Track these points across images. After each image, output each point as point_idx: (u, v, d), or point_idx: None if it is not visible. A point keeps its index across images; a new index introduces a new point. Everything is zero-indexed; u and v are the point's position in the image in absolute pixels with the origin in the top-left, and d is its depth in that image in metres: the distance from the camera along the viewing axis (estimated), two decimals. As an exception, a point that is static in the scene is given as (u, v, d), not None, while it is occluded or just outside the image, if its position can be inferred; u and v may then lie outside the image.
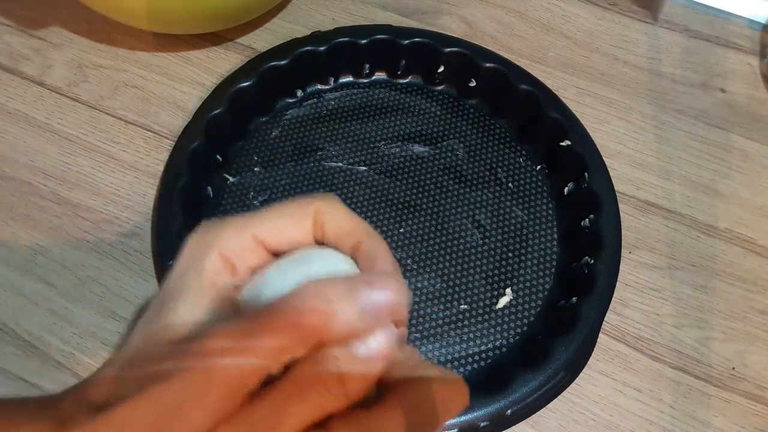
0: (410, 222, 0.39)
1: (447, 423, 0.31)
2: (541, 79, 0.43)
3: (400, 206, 0.40)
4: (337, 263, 0.20)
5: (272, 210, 0.21)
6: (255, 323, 0.17)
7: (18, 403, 0.18)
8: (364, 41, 0.43)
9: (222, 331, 0.17)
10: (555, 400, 0.33)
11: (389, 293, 0.18)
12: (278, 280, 0.19)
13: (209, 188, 0.40)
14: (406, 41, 0.43)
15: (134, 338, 0.19)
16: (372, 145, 0.42)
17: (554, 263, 0.38)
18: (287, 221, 0.20)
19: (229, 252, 0.20)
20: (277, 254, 0.21)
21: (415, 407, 0.18)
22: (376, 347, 0.18)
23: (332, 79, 0.45)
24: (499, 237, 0.39)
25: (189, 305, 0.19)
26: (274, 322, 0.17)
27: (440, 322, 0.36)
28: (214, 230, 0.20)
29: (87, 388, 0.18)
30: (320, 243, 0.21)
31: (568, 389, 0.33)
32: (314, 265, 0.20)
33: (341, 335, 0.18)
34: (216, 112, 0.40)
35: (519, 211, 0.40)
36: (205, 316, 0.19)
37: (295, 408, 0.17)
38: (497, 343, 0.35)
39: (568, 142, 0.40)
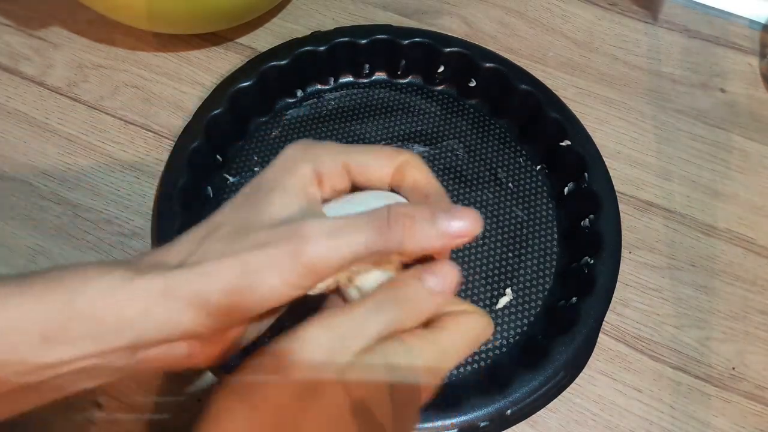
0: (410, 222, 0.39)
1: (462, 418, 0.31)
2: (541, 79, 0.43)
3: (400, 206, 0.40)
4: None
5: (366, 147, 0.23)
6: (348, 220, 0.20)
7: (90, 264, 0.20)
8: (364, 41, 0.43)
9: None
10: (555, 400, 0.33)
11: (464, 223, 0.21)
12: (363, 203, 0.22)
13: (209, 188, 0.40)
14: (406, 41, 0.43)
15: (217, 220, 0.21)
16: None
17: (554, 263, 0.38)
18: (376, 159, 0.23)
19: (322, 169, 0.22)
20: (356, 188, 0.23)
21: (465, 330, 0.21)
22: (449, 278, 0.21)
23: (332, 79, 0.45)
24: (499, 237, 0.39)
25: (282, 199, 0.21)
26: (366, 221, 0.20)
27: (440, 322, 0.36)
28: (312, 147, 0.22)
29: (161, 254, 0.21)
30: (394, 190, 0.23)
31: (568, 389, 0.33)
32: (395, 199, 0.23)
33: (418, 251, 0.20)
34: (216, 112, 0.40)
35: (519, 211, 0.40)
36: (295, 212, 0.21)
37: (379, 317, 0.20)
38: (497, 343, 0.35)
39: (568, 142, 0.40)
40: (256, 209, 0.21)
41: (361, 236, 0.20)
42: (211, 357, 0.21)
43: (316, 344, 0.19)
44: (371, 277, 0.22)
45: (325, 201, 0.23)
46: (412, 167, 0.23)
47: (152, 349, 0.20)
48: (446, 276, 0.21)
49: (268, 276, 0.19)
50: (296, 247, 0.19)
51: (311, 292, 0.21)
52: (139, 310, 0.19)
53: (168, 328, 0.19)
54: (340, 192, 0.23)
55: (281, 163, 0.22)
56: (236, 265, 0.19)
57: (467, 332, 0.21)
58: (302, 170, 0.22)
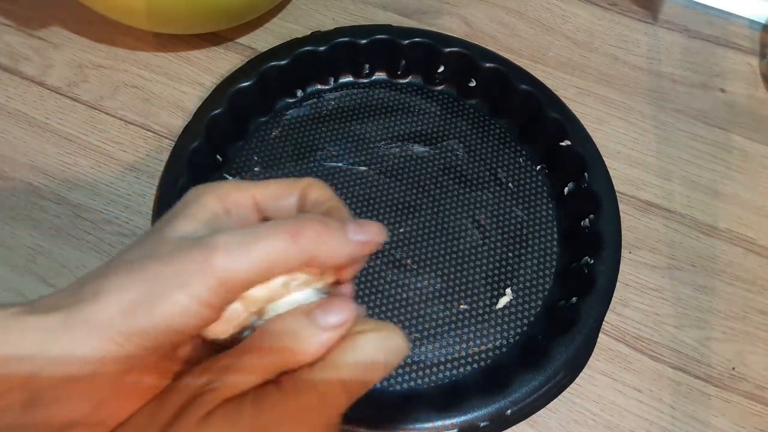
0: (410, 222, 0.39)
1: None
2: (541, 79, 0.43)
3: (400, 206, 0.40)
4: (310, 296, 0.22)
5: (269, 180, 0.23)
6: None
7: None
8: (364, 41, 0.43)
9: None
10: (555, 400, 0.33)
11: (370, 230, 0.21)
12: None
13: (209, 188, 0.40)
14: (406, 41, 0.43)
15: (117, 257, 0.20)
16: (372, 145, 0.42)
17: (554, 263, 0.38)
18: (281, 189, 0.23)
19: (229, 202, 0.22)
20: (265, 219, 0.23)
21: (360, 358, 0.20)
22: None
23: (332, 79, 0.45)
24: (499, 237, 0.39)
25: (187, 224, 0.20)
26: (279, 228, 0.20)
27: (440, 322, 0.36)
28: (215, 183, 0.22)
29: (58, 294, 0.19)
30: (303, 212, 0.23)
31: (568, 389, 0.33)
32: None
33: (330, 259, 0.20)
34: (216, 112, 0.40)
35: (519, 211, 0.40)
36: (203, 232, 0.20)
37: (253, 359, 0.19)
38: (497, 343, 0.35)
39: (568, 142, 0.40)
40: (160, 237, 0.20)
41: (273, 244, 0.19)
42: (159, 385, 0.19)
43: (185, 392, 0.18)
44: (282, 307, 0.20)
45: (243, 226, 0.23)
46: (313, 189, 0.23)
47: (57, 403, 0.17)
48: (339, 311, 0.20)
49: (175, 292, 0.18)
50: (204, 258, 0.18)
51: (220, 336, 0.20)
52: (36, 342, 0.17)
53: (72, 359, 0.17)
54: (251, 224, 0.22)
55: (185, 199, 0.21)
56: (137, 285, 0.18)
57: (361, 356, 0.20)
58: (208, 201, 0.21)
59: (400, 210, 0.40)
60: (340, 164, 0.41)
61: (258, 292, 0.20)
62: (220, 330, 0.20)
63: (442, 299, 0.37)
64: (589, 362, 0.34)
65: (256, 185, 0.22)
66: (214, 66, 0.46)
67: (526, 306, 0.37)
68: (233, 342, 0.20)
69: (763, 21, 0.50)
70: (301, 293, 0.21)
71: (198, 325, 0.19)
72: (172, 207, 0.22)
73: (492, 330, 0.36)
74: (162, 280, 0.18)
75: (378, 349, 0.20)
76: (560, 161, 0.41)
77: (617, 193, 0.39)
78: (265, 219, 0.23)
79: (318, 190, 0.23)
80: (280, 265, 0.19)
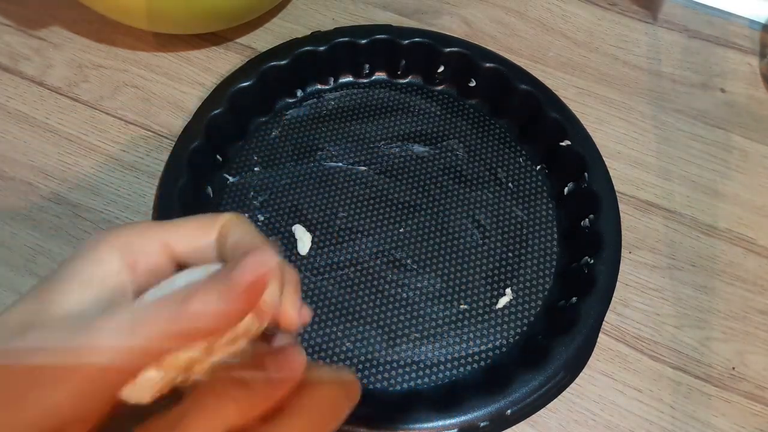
0: (410, 222, 0.39)
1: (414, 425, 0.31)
2: (541, 79, 0.43)
3: (400, 206, 0.40)
4: None
5: (182, 219, 0.21)
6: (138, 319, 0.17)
7: None
8: (364, 41, 0.43)
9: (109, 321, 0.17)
10: (555, 400, 0.33)
11: (253, 263, 0.18)
12: (185, 280, 0.19)
13: (209, 188, 0.40)
14: (406, 41, 0.43)
15: (16, 309, 0.18)
16: (372, 145, 0.42)
17: (554, 263, 0.38)
18: (194, 230, 0.20)
19: (134, 254, 0.19)
20: (182, 266, 0.20)
21: (314, 411, 0.19)
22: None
23: (332, 79, 0.45)
24: (499, 237, 0.39)
25: (80, 292, 0.18)
26: (160, 307, 0.17)
27: (440, 322, 0.36)
28: (121, 230, 0.20)
29: None
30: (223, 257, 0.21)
31: (568, 389, 0.33)
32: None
33: (231, 320, 0.18)
34: (216, 112, 0.40)
35: (519, 211, 0.40)
36: (91, 307, 0.18)
37: (198, 418, 0.17)
38: (497, 343, 0.35)
39: (568, 142, 0.40)
40: (48, 301, 0.18)
41: (160, 326, 0.17)
42: None
43: None
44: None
45: (148, 287, 0.20)
46: (231, 229, 0.20)
47: None
48: (287, 362, 0.19)
49: (50, 391, 0.16)
50: (81, 355, 0.16)
51: (142, 401, 0.18)
52: None
53: None
54: (164, 273, 0.20)
55: (83, 252, 0.19)
56: (8, 376, 0.16)
57: (319, 406, 0.19)
58: (107, 259, 0.19)
59: (400, 210, 0.40)
60: (340, 164, 0.41)
61: (175, 359, 0.18)
62: (136, 396, 0.18)
63: (442, 299, 0.37)
64: (589, 362, 0.34)
65: (166, 228, 0.20)
66: (214, 66, 0.46)
67: (526, 306, 0.37)
68: (164, 401, 0.18)
69: (763, 21, 0.50)
70: (232, 347, 0.19)
71: (98, 414, 0.17)
72: (71, 256, 0.19)
73: (492, 330, 0.36)
74: (35, 377, 0.16)
75: (335, 396, 0.19)
76: (560, 161, 0.41)
77: (617, 193, 0.39)
78: (180, 267, 0.20)
79: (237, 230, 0.20)
80: (172, 345, 0.17)
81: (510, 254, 0.38)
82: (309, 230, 0.39)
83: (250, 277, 0.18)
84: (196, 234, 0.20)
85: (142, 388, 0.18)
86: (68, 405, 0.16)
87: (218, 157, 0.41)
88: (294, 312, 0.21)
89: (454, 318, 0.36)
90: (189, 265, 0.20)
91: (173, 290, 0.18)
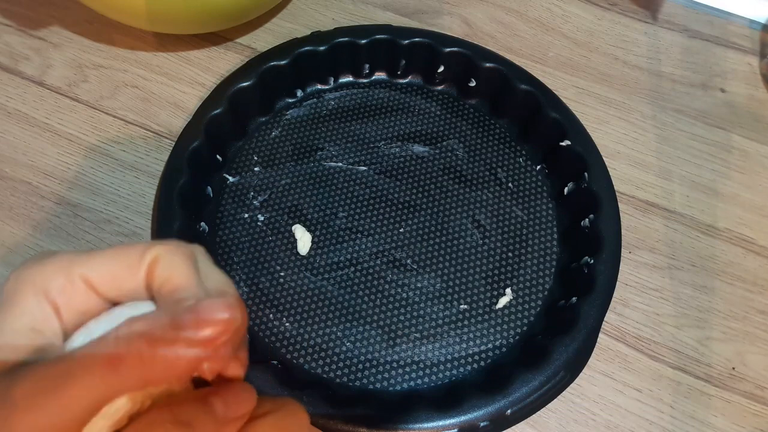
0: (410, 222, 0.39)
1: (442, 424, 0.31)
2: (541, 79, 0.43)
3: (400, 206, 0.40)
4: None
5: (107, 251, 0.18)
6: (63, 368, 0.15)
7: None
8: (364, 41, 0.43)
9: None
10: (555, 400, 0.33)
11: (215, 315, 0.17)
12: (117, 320, 0.17)
13: (209, 188, 0.40)
14: (406, 41, 0.43)
15: None
16: (372, 145, 0.42)
17: (554, 263, 0.38)
18: (120, 266, 0.18)
19: (53, 294, 0.17)
20: (115, 302, 0.19)
21: None
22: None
23: (332, 79, 0.45)
24: (499, 237, 0.39)
25: (7, 347, 0.16)
26: (90, 361, 0.16)
27: (440, 322, 0.36)
28: (36, 267, 0.18)
29: None
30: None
31: (568, 389, 0.33)
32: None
33: (179, 373, 0.16)
34: (216, 112, 0.40)
35: (519, 211, 0.40)
36: (12, 362, 0.16)
37: None
38: (497, 343, 0.35)
39: (568, 142, 0.40)
40: None
41: (88, 384, 0.15)
42: None
43: None
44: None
45: (76, 327, 0.18)
46: (160, 266, 0.18)
47: None
48: (235, 399, 0.18)
49: None
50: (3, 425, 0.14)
51: None
52: None
53: None
54: (93, 310, 0.18)
55: (5, 300, 0.17)
56: None
57: None
58: (26, 302, 0.17)
59: (400, 210, 0.40)
60: (340, 164, 0.41)
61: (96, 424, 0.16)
62: None
63: (442, 299, 0.37)
64: (589, 362, 0.34)
65: (88, 262, 0.18)
66: (214, 66, 0.46)
67: (526, 306, 0.37)
68: None
69: (763, 21, 0.50)
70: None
71: None
72: None
73: (492, 330, 0.36)
74: None
75: (285, 427, 0.18)
76: (560, 161, 0.41)
77: (617, 193, 0.39)
78: (112, 303, 0.19)
79: (165, 269, 0.18)
80: (103, 403, 0.16)
81: (510, 254, 0.38)
82: (309, 230, 0.39)
83: (214, 327, 0.16)
84: (120, 274, 0.18)
85: None
86: None
87: (218, 157, 0.41)
88: (242, 369, 0.19)
89: (454, 318, 0.36)
90: (121, 302, 0.19)
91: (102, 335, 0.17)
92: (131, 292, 0.18)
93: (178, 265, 0.18)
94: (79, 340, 0.18)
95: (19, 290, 0.17)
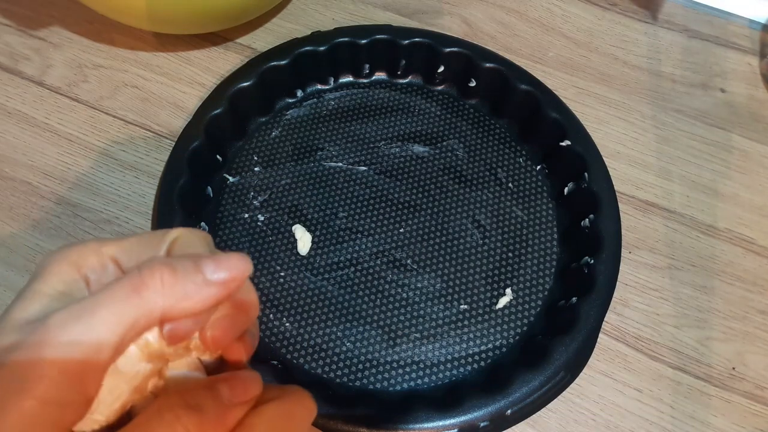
0: (410, 222, 0.39)
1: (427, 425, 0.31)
2: (541, 79, 0.43)
3: (400, 206, 0.40)
4: None
5: (132, 236, 0.20)
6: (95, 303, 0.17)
7: None
8: (364, 41, 0.43)
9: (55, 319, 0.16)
10: (555, 400, 0.33)
11: (230, 263, 0.18)
12: None
13: (209, 188, 0.40)
14: (406, 41, 0.43)
15: None
16: (372, 145, 0.42)
17: (554, 263, 0.38)
18: (142, 246, 0.20)
19: (85, 269, 0.19)
20: None
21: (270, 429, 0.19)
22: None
23: (332, 79, 0.45)
24: (499, 237, 0.39)
25: (33, 303, 0.17)
26: (117, 286, 0.17)
27: (440, 322, 0.36)
28: (70, 248, 0.19)
29: None
30: None
31: (568, 389, 0.33)
32: None
33: (188, 307, 0.18)
34: (216, 112, 0.40)
35: (519, 211, 0.40)
36: (46, 311, 0.17)
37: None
38: (497, 343, 0.35)
39: (568, 142, 0.40)
40: (7, 316, 0.17)
41: (115, 306, 0.16)
42: None
43: None
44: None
45: None
46: (179, 244, 0.20)
47: None
48: (241, 385, 0.18)
49: (13, 399, 0.15)
50: (39, 348, 0.16)
51: (84, 428, 0.17)
52: None
53: None
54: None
55: (37, 271, 0.19)
56: None
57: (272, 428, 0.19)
58: (61, 269, 0.18)
59: (400, 210, 0.40)
60: (340, 164, 0.41)
61: (131, 369, 0.17)
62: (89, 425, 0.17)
63: (442, 299, 0.37)
64: (589, 362, 0.34)
65: (117, 244, 0.19)
66: (214, 66, 0.46)
67: (526, 306, 0.37)
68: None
69: (763, 21, 0.50)
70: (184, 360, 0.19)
71: (69, 423, 0.16)
72: (28, 280, 0.19)
73: (492, 330, 0.36)
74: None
75: (288, 416, 0.19)
76: (560, 161, 0.41)
77: (617, 193, 0.39)
78: None
79: (184, 248, 0.20)
80: (130, 330, 0.17)
81: (510, 254, 0.38)
82: (309, 230, 0.39)
83: (230, 272, 0.18)
84: (144, 251, 0.19)
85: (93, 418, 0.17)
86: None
87: (218, 157, 0.41)
88: (244, 354, 0.20)
89: (454, 318, 0.36)
90: None
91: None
92: None
93: (196, 244, 0.20)
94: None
95: (53, 261, 0.18)
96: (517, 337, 0.36)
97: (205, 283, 0.18)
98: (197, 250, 0.20)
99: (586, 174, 0.39)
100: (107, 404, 0.17)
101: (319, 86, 0.45)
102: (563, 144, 0.41)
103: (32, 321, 0.17)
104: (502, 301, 0.37)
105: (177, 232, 0.20)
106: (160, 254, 0.19)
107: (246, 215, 0.39)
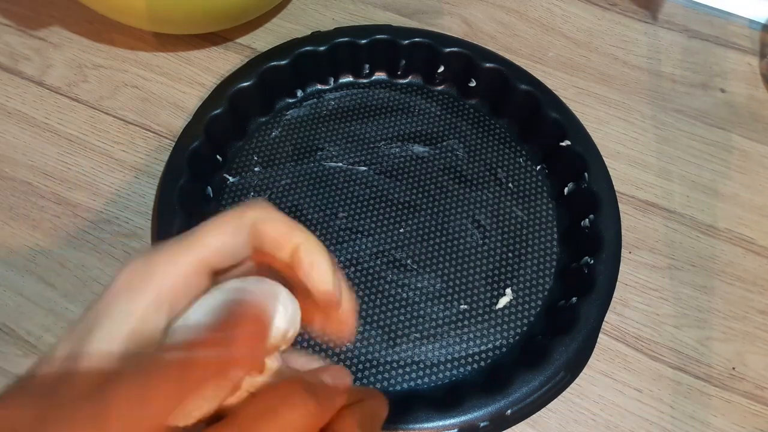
0: (410, 222, 0.39)
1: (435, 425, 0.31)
2: (541, 79, 0.43)
3: (400, 206, 0.40)
4: (261, 284, 0.20)
5: (208, 227, 0.20)
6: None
7: None
8: (364, 41, 0.43)
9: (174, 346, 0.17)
10: (555, 400, 0.33)
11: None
12: (203, 304, 0.19)
13: (209, 188, 0.40)
14: (406, 41, 0.43)
15: (57, 347, 0.18)
16: (372, 145, 0.42)
17: (554, 263, 0.38)
18: (225, 237, 0.19)
19: (168, 290, 0.18)
20: (218, 272, 0.20)
21: (364, 422, 0.20)
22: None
23: (332, 79, 0.45)
24: (499, 237, 0.39)
25: (107, 334, 0.17)
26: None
27: (440, 322, 0.36)
28: (152, 262, 0.19)
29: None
30: (260, 252, 0.20)
31: (568, 389, 0.33)
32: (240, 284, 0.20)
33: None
34: (216, 112, 0.40)
35: (519, 211, 0.40)
36: (116, 354, 0.17)
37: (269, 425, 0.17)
38: (497, 343, 0.35)
39: (568, 142, 0.40)
40: (81, 344, 0.17)
41: (161, 396, 0.16)
42: None
43: None
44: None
45: (184, 307, 0.19)
46: (264, 222, 0.20)
47: None
48: (338, 372, 0.20)
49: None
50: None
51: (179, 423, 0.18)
52: None
53: None
54: (201, 289, 0.20)
55: (120, 289, 0.18)
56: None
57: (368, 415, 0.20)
58: (139, 304, 0.18)
59: (400, 210, 0.40)
60: (340, 164, 0.41)
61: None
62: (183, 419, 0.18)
63: (442, 299, 0.37)
64: (589, 362, 0.34)
65: (199, 245, 0.19)
66: (214, 66, 0.46)
67: (526, 306, 0.37)
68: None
69: (763, 21, 0.50)
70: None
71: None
72: (108, 288, 0.18)
73: (492, 330, 0.36)
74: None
75: (374, 415, 0.20)
76: (560, 161, 0.41)
77: (617, 193, 0.39)
78: (218, 272, 0.20)
79: (269, 224, 0.20)
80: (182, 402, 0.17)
81: (510, 254, 0.38)
82: (309, 230, 0.39)
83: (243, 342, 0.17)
84: (229, 242, 0.20)
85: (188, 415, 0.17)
86: None
87: (218, 157, 0.41)
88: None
89: (454, 318, 0.36)
90: (226, 272, 0.20)
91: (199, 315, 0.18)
92: (238, 255, 0.20)
93: (281, 222, 0.20)
94: (192, 317, 0.19)
95: (135, 285, 0.18)
96: (517, 337, 0.36)
97: (293, 227, 0.20)
98: (280, 226, 0.20)
99: (586, 174, 0.39)
100: (208, 401, 0.17)
101: (319, 86, 0.45)
102: (563, 144, 0.41)
103: (98, 372, 0.17)
104: (502, 301, 0.37)
105: (251, 214, 0.20)
106: (245, 240, 0.20)
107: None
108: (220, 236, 0.19)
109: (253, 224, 0.20)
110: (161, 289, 0.18)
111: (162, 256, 0.19)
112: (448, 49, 0.43)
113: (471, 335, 0.36)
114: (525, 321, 0.36)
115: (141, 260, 0.19)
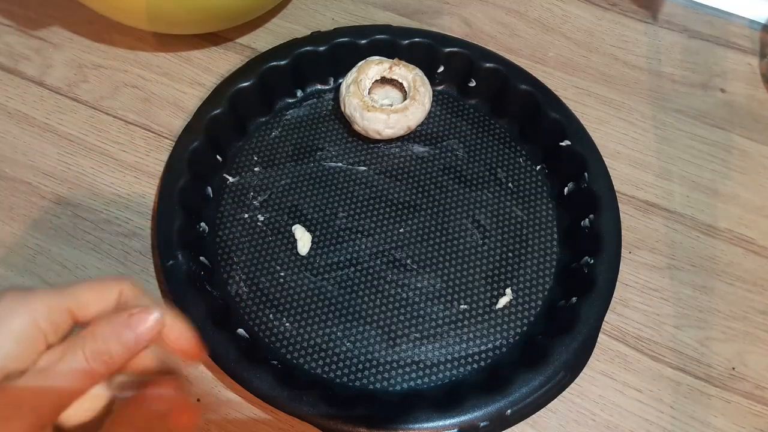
0: (410, 222, 0.39)
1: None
2: (541, 79, 0.43)
3: (400, 206, 0.40)
4: None
5: (83, 284, 0.23)
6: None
7: None
8: (364, 41, 0.43)
9: None
10: (555, 400, 0.33)
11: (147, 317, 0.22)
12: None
13: (209, 188, 0.40)
14: (406, 41, 0.43)
15: None
16: (372, 145, 0.42)
17: (554, 263, 0.38)
18: (95, 294, 0.23)
19: (42, 323, 0.21)
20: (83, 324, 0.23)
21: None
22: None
23: (332, 79, 0.45)
24: (499, 237, 0.39)
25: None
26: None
27: (440, 322, 0.36)
28: (25, 299, 0.21)
29: None
30: None
31: (568, 389, 0.33)
32: None
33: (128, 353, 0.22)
34: (216, 112, 0.40)
35: (519, 211, 0.40)
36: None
37: None
38: (497, 343, 0.35)
39: (568, 142, 0.40)
40: None
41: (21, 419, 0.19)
42: None
43: None
44: None
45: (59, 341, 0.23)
46: (125, 294, 0.23)
47: None
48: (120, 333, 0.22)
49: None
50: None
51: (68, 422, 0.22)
52: None
53: None
54: (66, 334, 0.23)
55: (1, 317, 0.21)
56: None
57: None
58: (19, 322, 0.21)
59: (400, 210, 0.40)
60: (340, 164, 0.41)
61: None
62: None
63: (442, 299, 0.37)
64: (589, 362, 0.34)
65: (70, 294, 0.22)
66: (214, 66, 0.46)
67: (526, 306, 0.37)
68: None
69: (763, 21, 0.50)
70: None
71: None
72: None
73: (492, 330, 0.36)
74: None
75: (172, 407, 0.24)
76: (560, 161, 0.41)
77: (617, 193, 0.39)
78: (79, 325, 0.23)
79: (128, 292, 0.23)
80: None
81: (510, 254, 0.38)
82: (309, 230, 0.39)
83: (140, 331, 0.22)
84: (97, 299, 0.23)
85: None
86: None
87: (218, 157, 0.41)
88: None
89: (454, 318, 0.36)
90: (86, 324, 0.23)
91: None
92: (102, 313, 0.23)
93: (139, 294, 0.23)
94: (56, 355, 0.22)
95: (14, 312, 0.21)
96: (517, 337, 0.36)
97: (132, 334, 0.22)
98: (134, 297, 0.23)
99: (586, 174, 0.39)
100: (90, 401, 0.22)
101: (319, 86, 0.45)
102: (563, 144, 0.41)
103: None
104: (502, 301, 0.37)
105: (122, 285, 0.23)
106: (111, 305, 0.23)
107: (246, 215, 0.39)
108: (90, 293, 0.23)
109: (119, 294, 0.23)
110: (36, 318, 0.21)
111: (34, 297, 0.22)
112: (447, 49, 0.43)
113: (471, 335, 0.36)
114: (525, 321, 0.36)
115: (12, 296, 0.21)
